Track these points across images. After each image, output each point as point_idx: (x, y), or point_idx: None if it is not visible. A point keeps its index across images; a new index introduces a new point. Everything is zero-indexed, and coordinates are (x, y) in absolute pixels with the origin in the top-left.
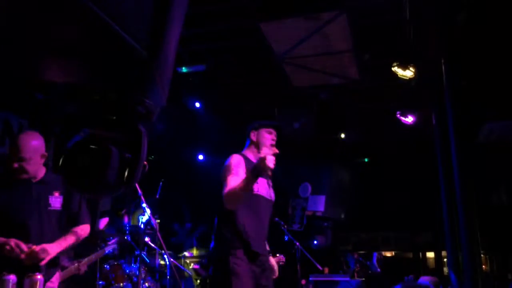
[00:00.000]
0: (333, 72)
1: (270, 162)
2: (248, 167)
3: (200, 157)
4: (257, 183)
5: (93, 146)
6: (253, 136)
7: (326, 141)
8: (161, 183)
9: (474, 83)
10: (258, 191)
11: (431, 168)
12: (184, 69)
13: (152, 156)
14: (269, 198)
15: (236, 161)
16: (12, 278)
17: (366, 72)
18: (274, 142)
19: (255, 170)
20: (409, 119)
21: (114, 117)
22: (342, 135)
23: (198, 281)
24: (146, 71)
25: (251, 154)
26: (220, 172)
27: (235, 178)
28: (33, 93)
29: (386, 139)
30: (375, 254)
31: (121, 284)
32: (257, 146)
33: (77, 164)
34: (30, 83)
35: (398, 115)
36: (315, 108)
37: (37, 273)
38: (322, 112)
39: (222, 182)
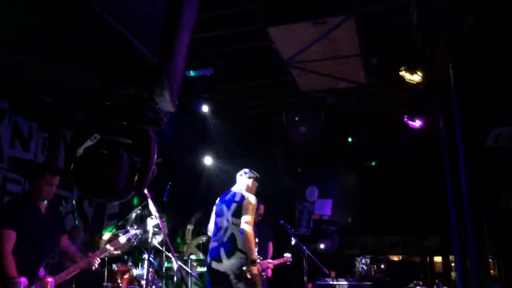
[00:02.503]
0: (340, 76)
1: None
2: None
3: (207, 160)
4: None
5: (103, 151)
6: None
7: (333, 145)
8: (168, 186)
9: (482, 87)
10: None
11: (438, 172)
12: (192, 73)
13: (160, 159)
14: None
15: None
16: (23, 280)
17: (374, 76)
18: None
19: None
20: (417, 123)
21: (125, 123)
22: (349, 139)
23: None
24: (157, 77)
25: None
26: (242, 202)
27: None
28: (42, 97)
29: (394, 143)
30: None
31: (129, 286)
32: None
33: (88, 169)
34: (39, 86)
35: (406, 119)
36: (322, 112)
37: (48, 276)
38: (329, 116)
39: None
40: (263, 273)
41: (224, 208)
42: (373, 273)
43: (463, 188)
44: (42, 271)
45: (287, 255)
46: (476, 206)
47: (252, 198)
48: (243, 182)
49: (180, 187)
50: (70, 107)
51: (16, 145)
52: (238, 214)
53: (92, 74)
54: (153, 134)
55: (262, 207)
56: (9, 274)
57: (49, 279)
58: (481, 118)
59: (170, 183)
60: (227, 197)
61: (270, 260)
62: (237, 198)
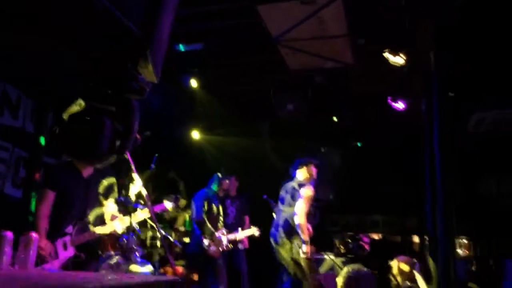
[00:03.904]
0: (328, 56)
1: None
2: None
3: (195, 135)
4: None
5: (87, 117)
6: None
7: (319, 123)
8: (155, 157)
9: (466, 72)
10: None
11: (420, 155)
12: (181, 47)
13: (148, 132)
14: None
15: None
16: (9, 234)
17: (361, 57)
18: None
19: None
20: (400, 105)
21: (109, 91)
22: (335, 118)
23: None
24: (140, 49)
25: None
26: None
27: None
28: (31, 65)
29: (379, 124)
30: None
31: (112, 252)
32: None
33: (73, 133)
34: (28, 57)
35: (389, 101)
36: (310, 91)
37: (32, 232)
38: (316, 95)
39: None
40: (240, 245)
41: None
42: (354, 250)
43: (436, 172)
44: (70, 228)
45: (254, 228)
46: (446, 188)
47: None
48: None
49: (168, 160)
50: (59, 76)
51: (5, 113)
52: None
53: (78, 44)
54: (136, 103)
55: (225, 183)
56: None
57: (34, 235)
58: (464, 103)
59: (156, 154)
60: None
61: (236, 234)
62: None
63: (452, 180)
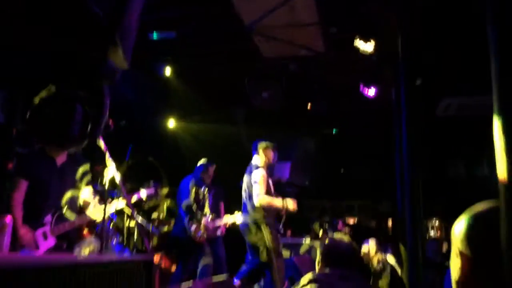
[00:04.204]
0: (300, 44)
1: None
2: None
3: (171, 123)
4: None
5: (58, 102)
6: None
7: (294, 111)
8: (130, 147)
9: (433, 59)
10: None
11: (392, 141)
12: (154, 36)
13: (124, 122)
14: None
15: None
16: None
17: (332, 45)
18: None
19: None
20: (371, 93)
21: (79, 77)
22: (309, 106)
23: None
24: (108, 35)
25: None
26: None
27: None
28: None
29: (352, 111)
30: None
31: (88, 238)
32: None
33: (43, 117)
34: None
35: (361, 88)
36: (284, 79)
37: (7, 216)
38: (291, 83)
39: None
40: (219, 231)
41: None
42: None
43: (403, 157)
44: (48, 218)
45: (238, 215)
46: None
47: None
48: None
49: (144, 150)
50: (30, 64)
51: None
52: None
53: (46, 30)
54: (106, 88)
55: (211, 169)
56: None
57: (8, 219)
58: (432, 89)
59: (131, 145)
60: None
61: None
62: None
63: (418, 164)
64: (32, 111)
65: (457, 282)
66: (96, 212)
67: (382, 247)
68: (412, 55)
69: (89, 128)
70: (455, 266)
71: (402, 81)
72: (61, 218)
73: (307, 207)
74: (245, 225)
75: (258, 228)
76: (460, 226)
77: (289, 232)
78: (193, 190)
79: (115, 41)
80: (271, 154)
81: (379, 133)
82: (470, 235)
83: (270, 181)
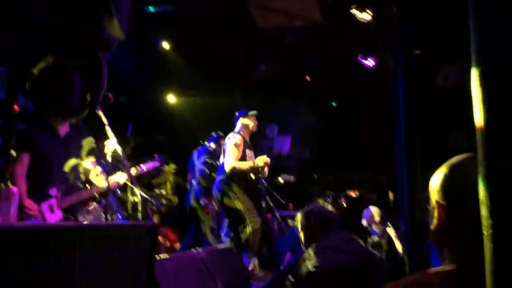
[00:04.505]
0: (297, 14)
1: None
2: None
3: (170, 98)
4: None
5: (56, 72)
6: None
7: (293, 83)
8: (130, 123)
9: (431, 28)
10: None
11: (391, 112)
12: (151, 9)
13: (122, 97)
14: None
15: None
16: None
17: (329, 15)
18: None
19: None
20: (370, 63)
21: (75, 47)
22: (308, 77)
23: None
24: (103, 4)
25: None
26: (226, 141)
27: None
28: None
29: (352, 82)
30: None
31: (94, 208)
32: (248, 128)
33: (43, 88)
34: None
35: (360, 59)
36: (282, 51)
37: (13, 186)
38: (288, 55)
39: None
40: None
41: None
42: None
43: (401, 128)
44: (54, 191)
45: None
46: (410, 144)
47: None
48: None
49: (144, 126)
50: (30, 42)
51: None
52: None
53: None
54: (103, 57)
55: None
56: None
57: (14, 189)
58: (431, 58)
59: (132, 121)
60: None
61: None
62: None
63: (415, 136)
64: (31, 82)
65: (434, 233)
66: (100, 180)
67: (382, 219)
68: (410, 23)
69: (88, 97)
70: (432, 217)
71: (399, 51)
72: (67, 191)
73: (309, 181)
74: (218, 189)
75: (230, 191)
76: (436, 178)
77: (291, 205)
78: (208, 162)
79: (110, 10)
80: (250, 122)
81: (378, 104)
82: (446, 185)
83: (250, 150)
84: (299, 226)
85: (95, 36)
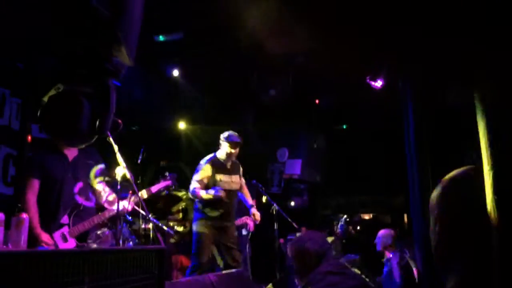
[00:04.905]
0: (303, 38)
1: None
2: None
3: (181, 125)
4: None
5: (65, 99)
6: (225, 147)
7: (303, 107)
8: (142, 149)
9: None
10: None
11: (402, 132)
12: (161, 38)
13: (136, 127)
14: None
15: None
16: (0, 215)
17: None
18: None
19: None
20: (378, 84)
21: (85, 73)
22: (317, 101)
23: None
24: (110, 30)
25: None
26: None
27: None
28: (14, 63)
29: (361, 105)
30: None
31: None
32: (228, 155)
33: (52, 114)
34: (10, 52)
35: (368, 80)
36: (291, 75)
37: (23, 213)
38: (298, 79)
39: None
40: (243, 230)
41: None
42: (349, 231)
43: (411, 150)
44: (65, 219)
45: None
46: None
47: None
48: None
49: (155, 152)
50: (42, 73)
51: None
52: None
53: (49, 26)
54: (112, 84)
55: None
56: (31, 224)
57: (24, 216)
58: (440, 77)
59: (143, 146)
60: None
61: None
62: None
63: (426, 155)
64: (42, 109)
65: (435, 249)
66: (111, 203)
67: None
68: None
69: (97, 123)
70: (434, 234)
71: (408, 72)
72: (79, 218)
73: (322, 204)
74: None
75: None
76: (435, 192)
77: (303, 229)
78: None
79: (118, 37)
80: (228, 147)
81: (388, 125)
82: (444, 199)
83: (224, 175)
84: (292, 254)
85: (104, 63)
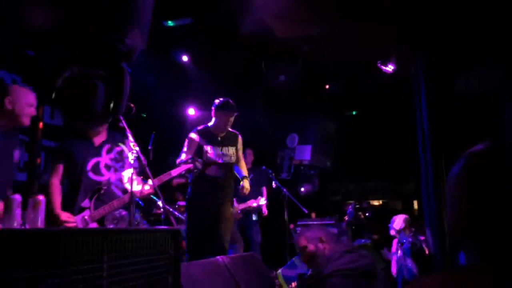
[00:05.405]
0: (314, 22)
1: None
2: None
3: (191, 111)
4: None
5: (81, 81)
6: (219, 114)
7: (313, 92)
8: (152, 135)
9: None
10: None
11: (413, 118)
12: (170, 23)
13: (145, 114)
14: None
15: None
16: (17, 197)
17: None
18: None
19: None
20: (390, 68)
21: (98, 56)
22: (327, 86)
23: None
24: (124, 13)
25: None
26: None
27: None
28: (25, 51)
29: (371, 89)
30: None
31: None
32: (220, 123)
33: (67, 97)
34: (21, 40)
35: (379, 64)
36: (301, 60)
37: (40, 195)
38: (308, 64)
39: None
40: (254, 215)
41: None
42: (360, 218)
43: (425, 134)
44: (87, 202)
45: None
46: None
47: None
48: None
49: (165, 138)
50: (53, 60)
51: None
52: None
53: (63, 12)
54: (126, 66)
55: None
56: (52, 206)
57: (41, 197)
58: (452, 62)
59: (154, 132)
60: None
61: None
62: None
63: (440, 141)
64: (56, 92)
65: (455, 225)
66: (135, 184)
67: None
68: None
69: (111, 105)
70: (454, 210)
71: (420, 55)
72: (100, 202)
73: (332, 190)
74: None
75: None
76: (456, 167)
77: (313, 215)
78: None
79: (131, 19)
80: (220, 114)
81: (399, 110)
82: (466, 173)
83: (212, 146)
84: (305, 241)
85: (117, 46)
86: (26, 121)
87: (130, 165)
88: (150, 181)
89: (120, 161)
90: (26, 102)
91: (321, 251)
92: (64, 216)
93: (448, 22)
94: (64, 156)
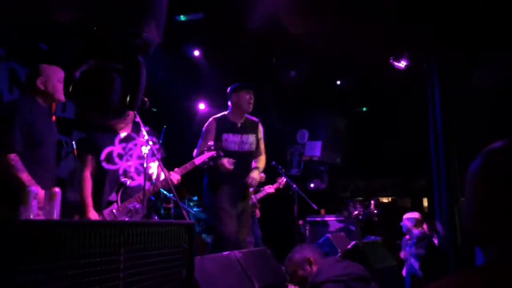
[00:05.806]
0: (326, 18)
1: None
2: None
3: (201, 106)
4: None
5: (98, 74)
6: (234, 98)
7: (323, 88)
8: (163, 129)
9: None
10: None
11: (425, 115)
12: (182, 17)
13: (155, 109)
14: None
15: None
16: (34, 189)
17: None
18: (251, 103)
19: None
20: (402, 64)
21: (116, 49)
22: (338, 82)
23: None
24: (141, 8)
25: (232, 115)
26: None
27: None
28: (38, 44)
29: (382, 85)
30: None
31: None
32: (238, 107)
33: (85, 89)
34: (35, 32)
35: (391, 61)
36: (312, 56)
37: (56, 187)
38: (318, 60)
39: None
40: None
41: None
42: (371, 215)
43: (438, 132)
44: (113, 196)
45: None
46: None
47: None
48: None
49: (176, 133)
50: (65, 53)
51: (15, 91)
52: None
53: (81, 5)
54: (142, 60)
55: None
56: (83, 197)
57: (57, 189)
58: (466, 59)
59: (165, 126)
60: None
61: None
62: None
63: (452, 139)
64: (74, 84)
65: (473, 221)
66: (159, 174)
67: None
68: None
69: (128, 98)
70: (471, 206)
71: (433, 51)
72: (126, 195)
73: (341, 187)
74: None
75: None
76: (475, 163)
77: (323, 211)
78: None
79: (148, 13)
80: (241, 98)
81: (411, 107)
82: (486, 168)
83: (233, 134)
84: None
85: (134, 40)
86: (61, 96)
87: (139, 156)
88: (176, 170)
89: (131, 150)
90: (57, 79)
91: (310, 272)
92: (93, 215)
93: (462, 18)
94: (90, 148)
